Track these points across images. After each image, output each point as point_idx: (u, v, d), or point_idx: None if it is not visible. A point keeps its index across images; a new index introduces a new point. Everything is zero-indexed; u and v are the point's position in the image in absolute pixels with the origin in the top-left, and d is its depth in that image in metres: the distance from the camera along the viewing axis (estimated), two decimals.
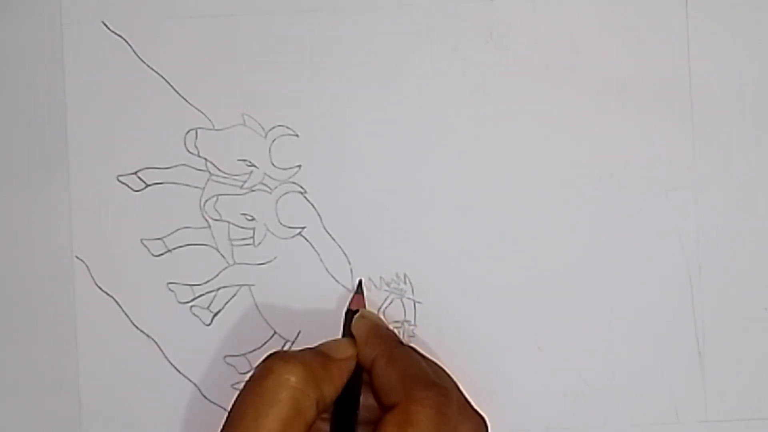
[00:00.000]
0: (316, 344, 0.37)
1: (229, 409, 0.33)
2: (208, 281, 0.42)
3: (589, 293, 0.42)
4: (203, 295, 0.42)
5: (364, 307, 0.40)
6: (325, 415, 0.35)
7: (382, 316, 0.42)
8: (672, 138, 0.42)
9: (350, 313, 0.39)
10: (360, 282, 0.41)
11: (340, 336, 0.39)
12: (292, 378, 0.33)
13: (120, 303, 0.42)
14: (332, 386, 0.35)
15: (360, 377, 0.36)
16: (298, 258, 0.42)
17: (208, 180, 0.42)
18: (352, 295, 0.41)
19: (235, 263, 0.42)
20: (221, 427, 0.33)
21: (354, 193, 0.42)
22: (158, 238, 0.42)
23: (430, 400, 0.33)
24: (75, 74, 0.42)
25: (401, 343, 0.37)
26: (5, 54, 0.43)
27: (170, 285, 0.42)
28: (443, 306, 0.42)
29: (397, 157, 0.42)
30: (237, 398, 0.33)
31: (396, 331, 0.42)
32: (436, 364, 0.38)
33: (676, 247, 0.42)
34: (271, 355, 0.34)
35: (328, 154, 0.42)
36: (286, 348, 0.42)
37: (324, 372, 0.34)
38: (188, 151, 0.42)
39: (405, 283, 0.42)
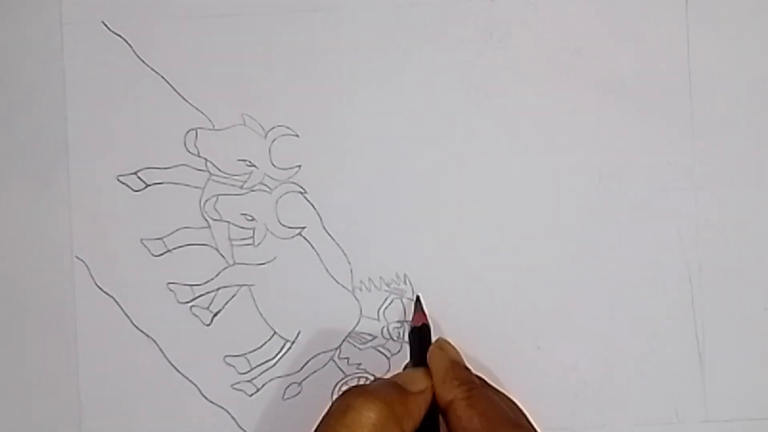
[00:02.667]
0: (388, 376, 0.36)
1: None
2: (208, 281, 0.42)
3: (589, 293, 0.42)
4: (203, 295, 0.42)
5: (427, 322, 0.40)
6: None
7: (382, 317, 0.42)
8: (672, 138, 0.42)
9: (417, 332, 0.39)
10: (418, 298, 0.41)
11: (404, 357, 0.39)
12: (372, 415, 0.32)
13: (120, 303, 0.42)
14: (411, 421, 0.34)
15: (437, 408, 0.36)
16: (298, 258, 0.42)
17: (208, 180, 0.42)
18: (412, 312, 0.40)
19: (235, 263, 0.42)
20: None
21: (354, 193, 0.42)
22: (158, 238, 0.42)
23: None
24: (75, 74, 0.42)
25: (477, 383, 0.36)
26: (5, 54, 0.43)
27: (170, 285, 0.42)
28: (443, 306, 0.42)
29: (397, 157, 0.42)
30: None
31: (396, 331, 0.42)
32: (509, 399, 0.37)
33: (676, 247, 0.42)
34: (349, 390, 0.34)
35: (328, 154, 0.42)
36: (286, 348, 0.42)
37: (403, 407, 0.33)
38: (188, 151, 0.42)
39: (405, 283, 0.42)
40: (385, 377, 0.36)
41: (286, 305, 0.42)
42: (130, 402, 0.42)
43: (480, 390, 0.36)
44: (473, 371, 0.37)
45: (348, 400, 0.33)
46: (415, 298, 0.41)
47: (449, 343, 0.38)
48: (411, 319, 0.40)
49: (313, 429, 0.33)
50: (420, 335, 0.39)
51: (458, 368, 0.37)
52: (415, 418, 0.34)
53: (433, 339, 0.39)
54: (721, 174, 0.42)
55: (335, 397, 0.34)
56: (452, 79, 0.42)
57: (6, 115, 0.42)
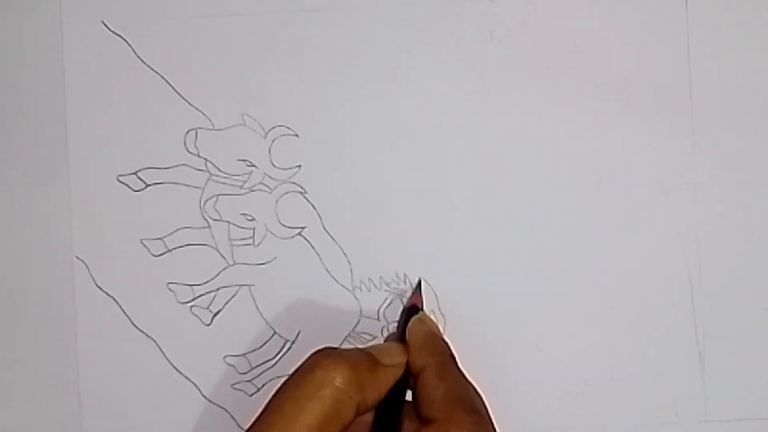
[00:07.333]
0: (364, 346, 0.36)
1: (269, 397, 0.33)
2: (208, 281, 0.42)
3: (589, 293, 0.42)
4: (203, 295, 0.42)
5: (422, 306, 0.40)
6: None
7: (382, 317, 0.42)
8: (672, 138, 0.42)
9: (407, 312, 0.39)
10: (419, 282, 0.41)
11: (390, 335, 0.39)
12: (337, 377, 0.32)
13: (120, 303, 0.42)
14: (376, 391, 0.34)
15: (406, 385, 0.35)
16: (298, 258, 0.42)
17: (208, 180, 0.42)
18: (410, 293, 0.40)
19: (235, 263, 0.42)
20: (259, 412, 0.33)
21: (354, 193, 0.42)
22: (158, 238, 0.42)
23: (469, 427, 0.32)
24: (75, 74, 0.42)
25: (454, 358, 0.37)
26: (5, 54, 0.43)
27: (170, 285, 0.42)
28: (443, 306, 0.42)
29: (397, 157, 0.42)
30: (279, 388, 0.33)
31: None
32: (476, 390, 0.37)
33: (676, 247, 0.42)
34: (319, 350, 0.34)
35: (328, 154, 0.42)
36: (286, 348, 0.42)
37: (370, 376, 0.33)
38: (188, 151, 0.42)
39: (405, 283, 0.42)
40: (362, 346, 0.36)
41: (286, 305, 0.42)
42: (130, 402, 0.42)
43: (453, 365, 0.36)
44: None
45: (317, 359, 0.33)
46: (417, 281, 0.41)
47: (431, 318, 0.39)
48: (408, 299, 0.40)
49: (281, 383, 0.33)
50: (409, 315, 0.38)
51: (436, 339, 0.37)
52: (381, 390, 0.34)
53: None
54: (721, 174, 0.42)
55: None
56: (452, 79, 0.42)
57: (6, 115, 0.42)
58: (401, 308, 0.41)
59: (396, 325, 0.42)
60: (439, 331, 0.38)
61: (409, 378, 0.36)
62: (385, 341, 0.40)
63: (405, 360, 0.36)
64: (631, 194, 0.42)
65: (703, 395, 0.41)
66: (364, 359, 0.34)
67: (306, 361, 0.33)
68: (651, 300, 0.42)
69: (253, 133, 0.42)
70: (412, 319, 0.38)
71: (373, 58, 0.42)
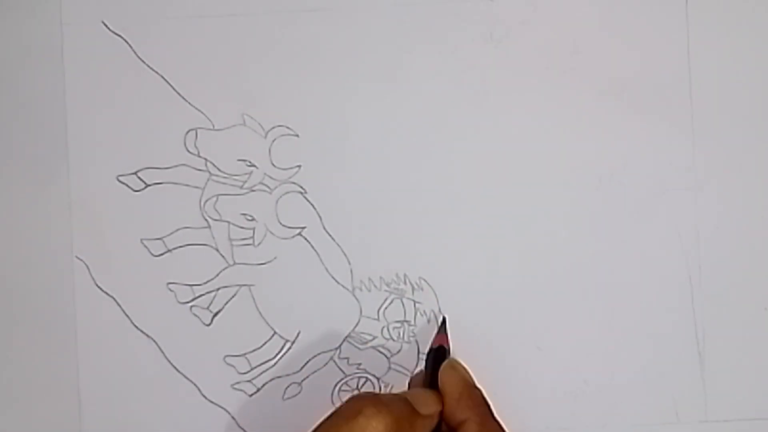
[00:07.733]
0: (400, 390, 0.36)
1: None
2: (208, 281, 0.42)
3: (589, 293, 0.42)
4: (203, 295, 0.42)
5: (448, 345, 0.39)
6: None
7: (382, 317, 0.42)
8: (672, 138, 0.42)
9: (434, 353, 0.38)
10: (444, 320, 0.41)
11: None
12: (380, 427, 0.32)
13: (120, 303, 0.42)
14: None
15: None
16: (298, 258, 0.42)
17: (208, 180, 0.42)
18: (434, 333, 0.40)
19: (235, 263, 0.42)
20: None
21: (354, 193, 0.42)
22: (158, 238, 0.42)
23: None
24: (75, 74, 0.42)
25: (490, 408, 0.36)
26: (5, 54, 0.43)
27: (170, 285, 0.42)
28: (443, 306, 0.42)
29: (397, 157, 0.42)
30: (318, 428, 0.33)
31: (396, 331, 0.42)
32: None
33: (676, 247, 0.42)
34: (362, 395, 0.34)
35: (328, 154, 0.42)
36: (286, 348, 0.42)
37: (409, 427, 0.33)
38: (188, 151, 0.42)
39: (405, 283, 0.42)
40: (398, 392, 0.36)
41: (286, 305, 0.42)
42: (130, 402, 0.42)
43: (491, 417, 0.36)
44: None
45: (359, 405, 0.33)
46: (441, 319, 0.41)
47: (461, 364, 0.38)
48: (432, 339, 0.40)
49: (318, 424, 0.33)
50: (436, 357, 0.38)
51: (472, 389, 0.37)
52: None
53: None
54: (721, 174, 0.42)
55: (347, 398, 0.34)
56: (452, 79, 0.42)
57: (6, 115, 0.42)
58: (408, 330, 0.41)
59: (394, 326, 0.42)
60: (471, 378, 0.38)
61: (441, 424, 0.36)
62: (411, 382, 0.39)
63: (439, 410, 0.36)
64: (631, 194, 0.42)
65: (703, 395, 0.41)
66: (405, 409, 0.34)
67: (347, 404, 0.33)
68: (651, 300, 0.42)
69: (253, 133, 0.42)
70: (444, 366, 0.37)
71: (373, 58, 0.42)
